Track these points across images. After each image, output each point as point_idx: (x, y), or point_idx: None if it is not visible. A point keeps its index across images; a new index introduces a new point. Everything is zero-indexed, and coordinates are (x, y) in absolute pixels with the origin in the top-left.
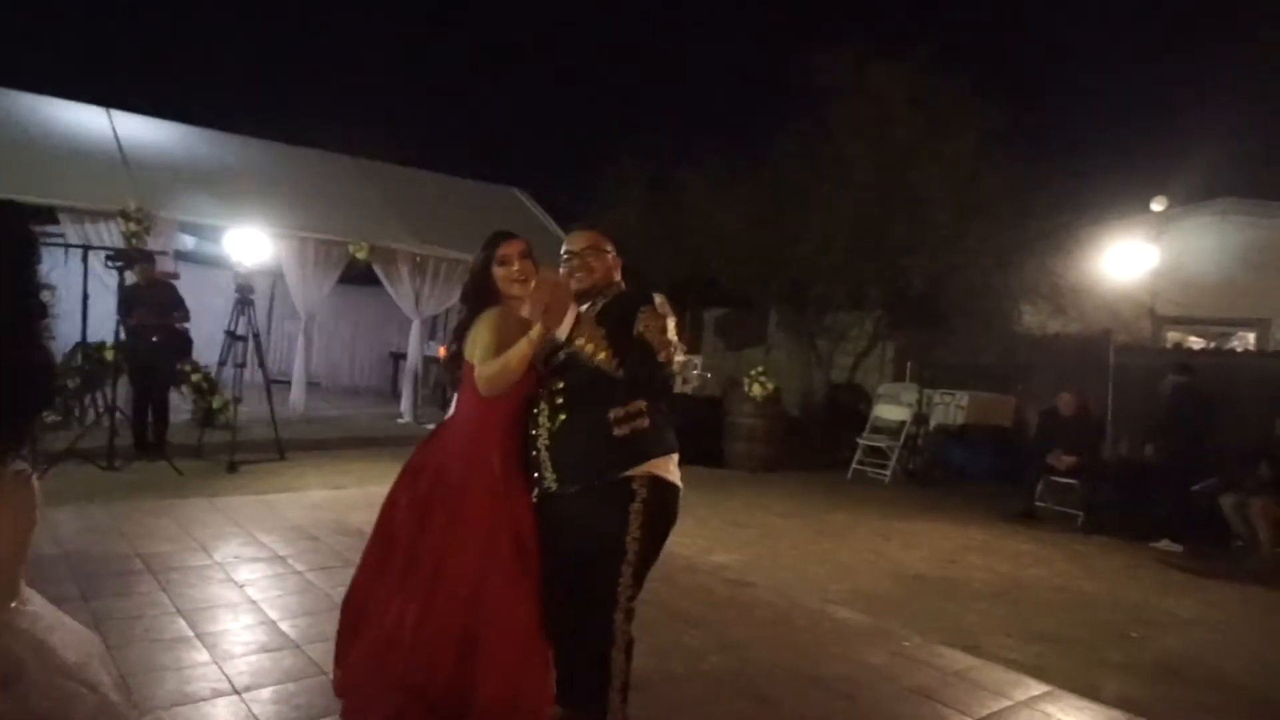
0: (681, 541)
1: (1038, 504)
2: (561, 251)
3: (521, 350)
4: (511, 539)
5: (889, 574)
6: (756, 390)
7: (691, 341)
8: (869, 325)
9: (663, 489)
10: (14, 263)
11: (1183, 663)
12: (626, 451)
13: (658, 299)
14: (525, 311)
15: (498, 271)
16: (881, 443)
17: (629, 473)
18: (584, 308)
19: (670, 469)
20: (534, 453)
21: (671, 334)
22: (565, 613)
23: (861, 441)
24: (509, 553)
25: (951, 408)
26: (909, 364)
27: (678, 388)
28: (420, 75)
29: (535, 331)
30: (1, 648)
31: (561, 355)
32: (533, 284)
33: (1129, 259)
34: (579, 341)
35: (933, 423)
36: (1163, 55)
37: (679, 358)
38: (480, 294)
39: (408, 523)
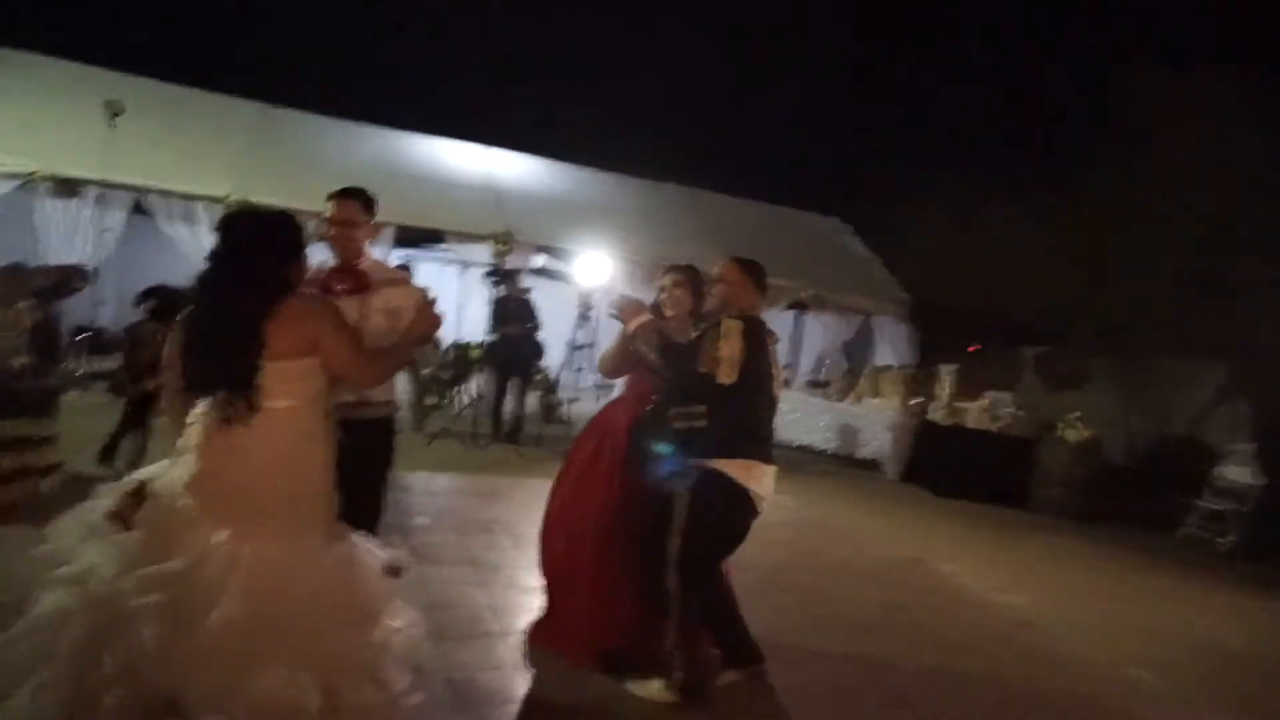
0: (965, 576)
1: None
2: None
3: (612, 344)
4: (620, 482)
5: (1198, 646)
6: (1070, 435)
7: (1005, 378)
8: (1218, 376)
9: (716, 481)
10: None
11: None
12: (682, 444)
13: (726, 324)
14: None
15: (659, 295)
16: (1223, 507)
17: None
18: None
19: (732, 469)
20: None
21: (724, 352)
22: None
23: (1199, 503)
24: (615, 490)
25: None
26: None
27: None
28: (743, 105)
29: (621, 333)
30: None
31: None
32: (682, 308)
33: None
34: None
35: None
36: None
37: (726, 374)
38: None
39: (570, 460)
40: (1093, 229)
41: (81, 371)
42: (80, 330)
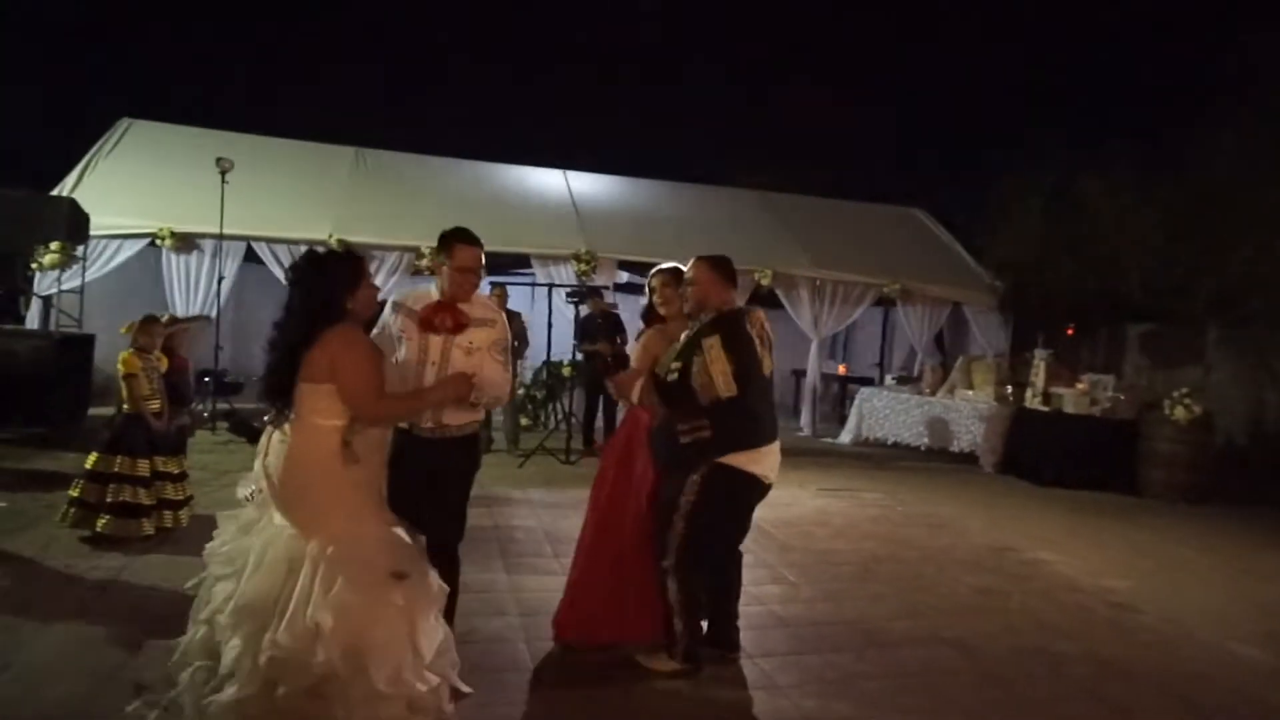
0: (1069, 562)
1: None
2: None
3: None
4: (635, 485)
5: None
6: (1179, 413)
7: (1107, 359)
8: None
9: (722, 470)
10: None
11: None
12: (691, 452)
13: (705, 344)
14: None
15: (651, 296)
16: None
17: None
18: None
19: (736, 459)
20: None
21: (715, 371)
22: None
23: None
24: (634, 495)
25: None
26: None
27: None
28: (814, 103)
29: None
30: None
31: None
32: (672, 305)
33: None
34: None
35: None
36: None
37: (725, 390)
38: (648, 316)
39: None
40: (1204, 198)
41: (207, 413)
42: (204, 374)
